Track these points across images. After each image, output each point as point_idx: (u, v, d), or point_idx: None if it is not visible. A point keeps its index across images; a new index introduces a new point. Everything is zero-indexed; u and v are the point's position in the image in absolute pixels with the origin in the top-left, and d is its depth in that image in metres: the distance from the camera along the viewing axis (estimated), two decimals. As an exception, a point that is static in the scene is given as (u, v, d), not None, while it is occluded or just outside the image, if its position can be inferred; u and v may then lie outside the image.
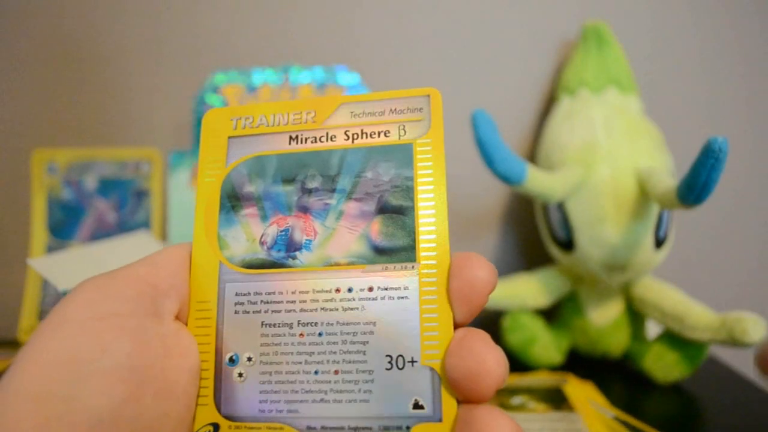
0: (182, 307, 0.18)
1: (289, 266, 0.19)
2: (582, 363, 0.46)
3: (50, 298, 0.49)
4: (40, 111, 0.56)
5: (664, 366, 0.41)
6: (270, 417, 0.17)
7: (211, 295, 0.19)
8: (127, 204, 0.51)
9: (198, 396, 0.18)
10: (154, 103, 0.55)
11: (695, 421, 0.38)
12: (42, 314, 0.49)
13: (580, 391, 0.39)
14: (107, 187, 0.51)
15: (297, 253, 0.19)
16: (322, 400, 0.17)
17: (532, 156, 0.54)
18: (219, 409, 0.18)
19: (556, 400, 0.38)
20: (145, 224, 0.51)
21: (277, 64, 0.52)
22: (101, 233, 0.50)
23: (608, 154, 0.43)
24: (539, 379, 0.42)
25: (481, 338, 0.17)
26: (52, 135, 0.56)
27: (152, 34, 0.55)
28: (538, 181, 0.41)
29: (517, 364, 0.46)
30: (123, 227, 0.51)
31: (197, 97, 0.50)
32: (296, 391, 0.18)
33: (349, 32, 0.55)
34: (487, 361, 0.16)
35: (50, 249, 0.50)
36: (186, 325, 0.18)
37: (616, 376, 0.44)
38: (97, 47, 0.55)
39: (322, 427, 0.17)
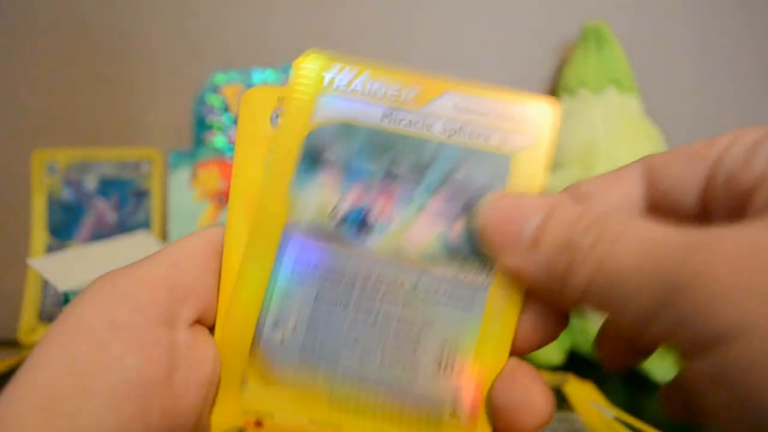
0: (203, 312, 0.17)
1: (357, 246, 0.18)
2: (582, 363, 0.46)
3: (50, 299, 0.49)
4: (40, 111, 0.56)
5: (664, 366, 0.41)
6: (307, 373, 0.17)
7: (268, 256, 0.18)
8: (127, 204, 0.51)
9: (216, 401, 0.17)
10: (154, 103, 0.55)
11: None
12: (42, 314, 0.49)
13: (580, 391, 0.39)
14: (107, 187, 0.51)
15: (368, 236, 0.18)
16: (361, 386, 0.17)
17: (532, 156, 0.54)
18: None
19: (556, 400, 0.38)
20: (145, 224, 0.51)
21: (277, 64, 0.52)
22: (101, 233, 0.50)
23: (608, 154, 0.43)
24: (539, 379, 0.42)
25: (533, 373, 0.17)
26: (52, 135, 0.56)
27: (152, 34, 0.55)
28: (538, 181, 0.41)
29: (517, 364, 0.46)
30: (123, 227, 0.51)
31: (197, 97, 0.50)
32: (335, 371, 0.17)
33: (349, 32, 0.55)
34: (534, 395, 0.16)
35: (50, 249, 0.50)
36: (210, 328, 0.18)
37: (616, 376, 0.44)
38: (97, 47, 0.55)
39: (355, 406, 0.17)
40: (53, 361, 0.14)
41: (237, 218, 0.18)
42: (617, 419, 0.35)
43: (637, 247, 0.13)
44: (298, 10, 0.55)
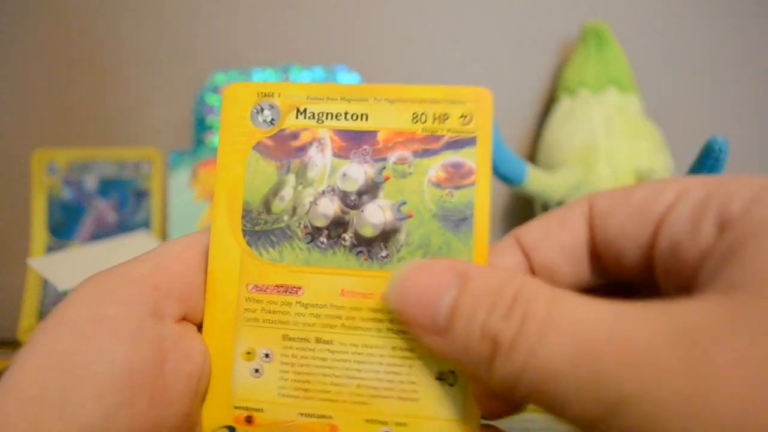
0: (189, 309, 0.17)
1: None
2: (582, 363, 0.46)
3: (50, 298, 0.49)
4: (40, 111, 0.56)
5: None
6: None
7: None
8: (127, 204, 0.51)
9: (206, 398, 0.17)
10: (154, 103, 0.55)
11: (695, 421, 0.38)
12: (42, 314, 0.49)
13: (580, 391, 0.39)
14: (107, 187, 0.51)
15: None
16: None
17: (532, 156, 0.54)
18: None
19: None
20: (145, 224, 0.51)
21: (277, 64, 0.52)
22: (101, 233, 0.50)
23: (608, 154, 0.43)
24: (539, 379, 0.42)
25: None
26: (52, 135, 0.56)
27: (152, 34, 0.55)
28: (538, 181, 0.41)
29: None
30: (123, 227, 0.51)
31: (197, 97, 0.50)
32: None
33: (349, 32, 0.55)
34: None
35: (50, 249, 0.50)
36: (197, 326, 0.18)
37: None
38: (97, 47, 0.55)
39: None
40: (40, 355, 0.14)
41: (221, 215, 0.18)
42: (617, 419, 0.35)
43: (568, 346, 0.12)
44: (298, 10, 0.55)
